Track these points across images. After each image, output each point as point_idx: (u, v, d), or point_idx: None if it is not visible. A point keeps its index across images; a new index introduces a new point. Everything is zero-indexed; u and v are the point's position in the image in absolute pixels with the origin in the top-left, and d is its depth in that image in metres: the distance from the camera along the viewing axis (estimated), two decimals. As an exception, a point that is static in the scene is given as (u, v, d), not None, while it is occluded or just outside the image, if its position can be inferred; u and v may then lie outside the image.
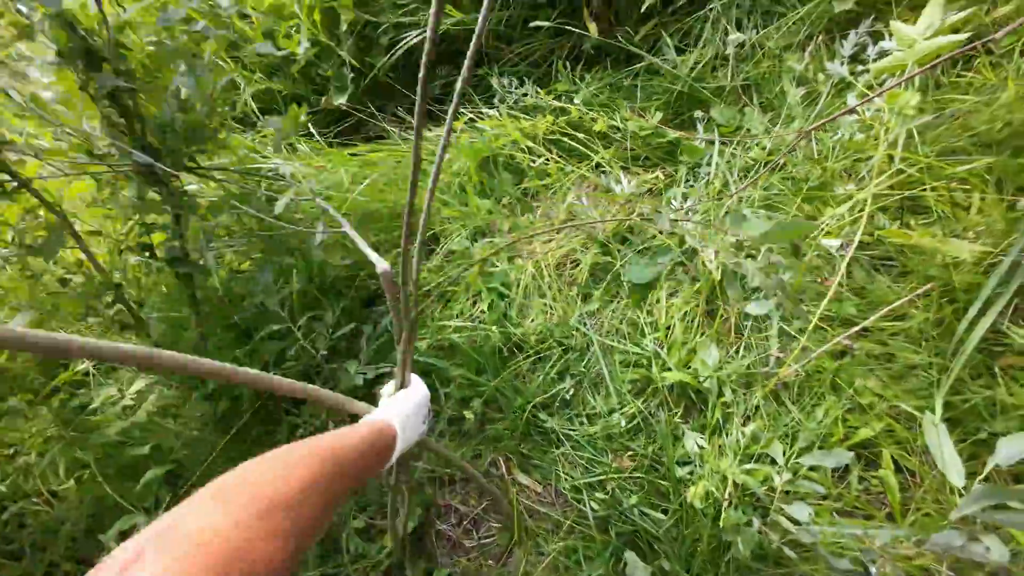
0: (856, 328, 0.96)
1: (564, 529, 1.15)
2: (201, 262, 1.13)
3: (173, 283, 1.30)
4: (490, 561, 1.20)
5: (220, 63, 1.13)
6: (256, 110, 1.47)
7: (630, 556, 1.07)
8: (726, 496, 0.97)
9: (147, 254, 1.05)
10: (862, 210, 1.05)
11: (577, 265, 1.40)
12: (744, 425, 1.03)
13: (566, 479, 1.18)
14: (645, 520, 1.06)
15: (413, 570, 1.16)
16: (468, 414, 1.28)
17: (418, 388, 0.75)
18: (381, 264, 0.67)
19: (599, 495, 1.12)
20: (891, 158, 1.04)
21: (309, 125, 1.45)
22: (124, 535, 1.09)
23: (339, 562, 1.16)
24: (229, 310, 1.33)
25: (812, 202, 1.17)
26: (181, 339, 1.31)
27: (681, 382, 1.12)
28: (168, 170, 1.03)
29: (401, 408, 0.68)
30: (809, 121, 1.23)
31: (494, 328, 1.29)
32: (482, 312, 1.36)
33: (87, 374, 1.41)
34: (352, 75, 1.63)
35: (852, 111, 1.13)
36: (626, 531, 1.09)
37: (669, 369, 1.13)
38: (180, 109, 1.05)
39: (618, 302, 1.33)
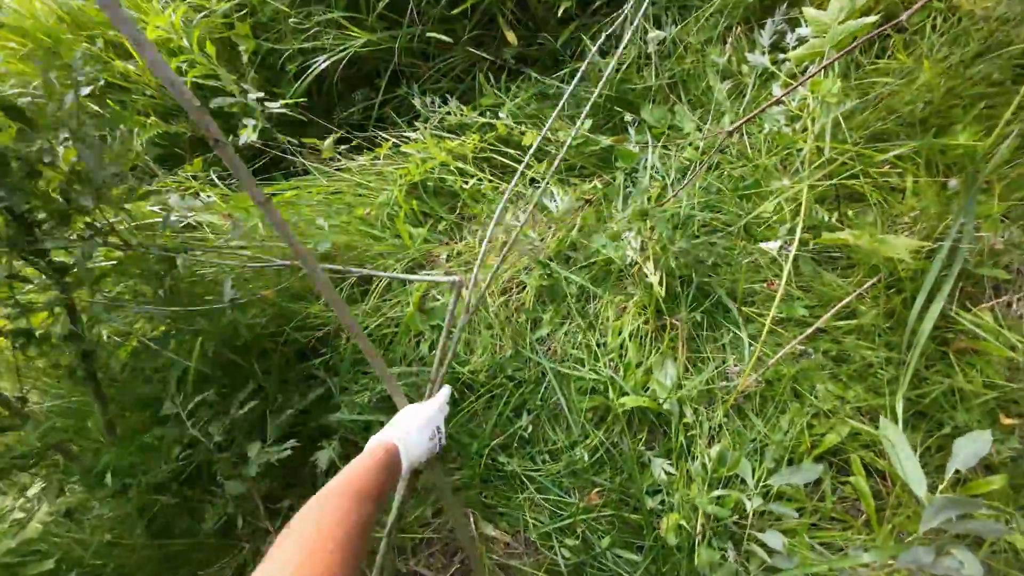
0: (810, 330, 0.91)
1: (537, 580, 1.06)
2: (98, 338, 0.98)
3: (67, 365, 1.13)
4: (463, 627, 1.09)
5: (123, 129, 0.99)
6: (150, 162, 1.32)
7: (609, 602, 0.99)
8: (698, 529, 0.90)
9: (22, 340, 0.89)
10: (799, 204, 1.01)
11: (523, 289, 1.31)
12: (709, 447, 0.96)
13: (534, 525, 1.09)
14: (619, 564, 0.98)
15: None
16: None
17: (431, 403, 0.80)
18: (450, 277, 0.86)
19: (569, 541, 1.03)
20: (820, 149, 1.00)
21: (211, 173, 1.31)
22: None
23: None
24: (138, 387, 1.17)
25: (750, 199, 1.13)
26: (83, 429, 1.15)
27: (640, 407, 1.04)
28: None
29: (405, 426, 0.73)
30: (739, 115, 1.19)
31: (439, 370, 1.18)
32: (428, 353, 1.26)
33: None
34: (260, 109, 1.50)
35: (778, 102, 1.09)
36: (600, 574, 1.01)
37: (626, 394, 1.06)
38: (71, 182, 0.91)
39: (569, 323, 1.25)
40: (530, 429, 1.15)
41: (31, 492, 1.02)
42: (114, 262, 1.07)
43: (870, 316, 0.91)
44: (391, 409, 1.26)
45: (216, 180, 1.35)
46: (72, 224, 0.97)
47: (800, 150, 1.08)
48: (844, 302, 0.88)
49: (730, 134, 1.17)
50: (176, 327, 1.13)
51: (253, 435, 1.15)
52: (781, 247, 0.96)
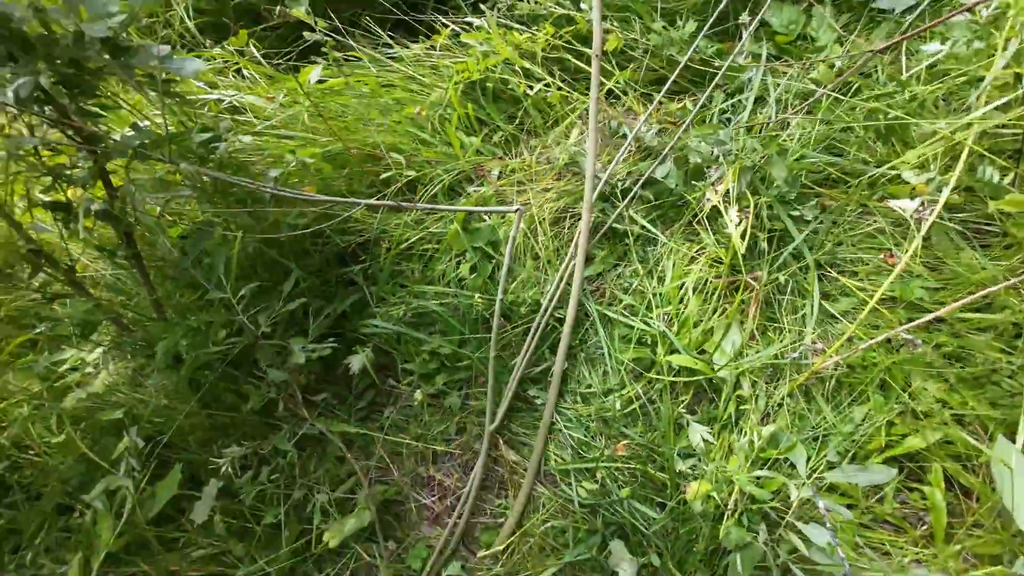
0: (926, 317, 0.75)
1: (552, 508, 1.07)
2: (134, 218, 0.97)
3: (112, 241, 1.15)
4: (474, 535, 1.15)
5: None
6: (194, 29, 1.21)
7: (616, 545, 0.99)
8: (730, 505, 0.84)
9: (62, 214, 0.90)
10: (958, 155, 0.77)
11: (578, 220, 1.18)
12: (762, 424, 0.86)
13: (556, 460, 1.08)
14: (636, 515, 0.96)
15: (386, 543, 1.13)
16: (419, 396, 1.16)
17: None
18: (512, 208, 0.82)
19: (587, 484, 1.01)
20: (1020, 78, 0.74)
21: (251, 45, 1.19)
22: (111, 495, 1.07)
23: (307, 532, 1.13)
24: (188, 270, 1.19)
25: (888, 143, 0.89)
26: (138, 303, 1.21)
27: (690, 368, 0.94)
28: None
29: None
30: (903, 27, 0.90)
31: (477, 297, 1.12)
32: (468, 275, 1.18)
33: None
34: (309, -24, 1.31)
35: (969, 9, 0.80)
36: (615, 521, 1.00)
37: (677, 351, 0.95)
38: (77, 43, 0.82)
39: (625, 266, 1.12)
40: (565, 367, 1.09)
41: (91, 358, 1.11)
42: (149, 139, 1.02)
43: (1016, 312, 0.72)
44: (425, 326, 1.24)
45: (260, 58, 1.24)
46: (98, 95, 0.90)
47: (980, 80, 0.81)
48: (986, 291, 0.70)
49: (884, 51, 0.89)
50: (219, 216, 1.11)
51: (291, 331, 1.18)
52: (920, 206, 0.75)
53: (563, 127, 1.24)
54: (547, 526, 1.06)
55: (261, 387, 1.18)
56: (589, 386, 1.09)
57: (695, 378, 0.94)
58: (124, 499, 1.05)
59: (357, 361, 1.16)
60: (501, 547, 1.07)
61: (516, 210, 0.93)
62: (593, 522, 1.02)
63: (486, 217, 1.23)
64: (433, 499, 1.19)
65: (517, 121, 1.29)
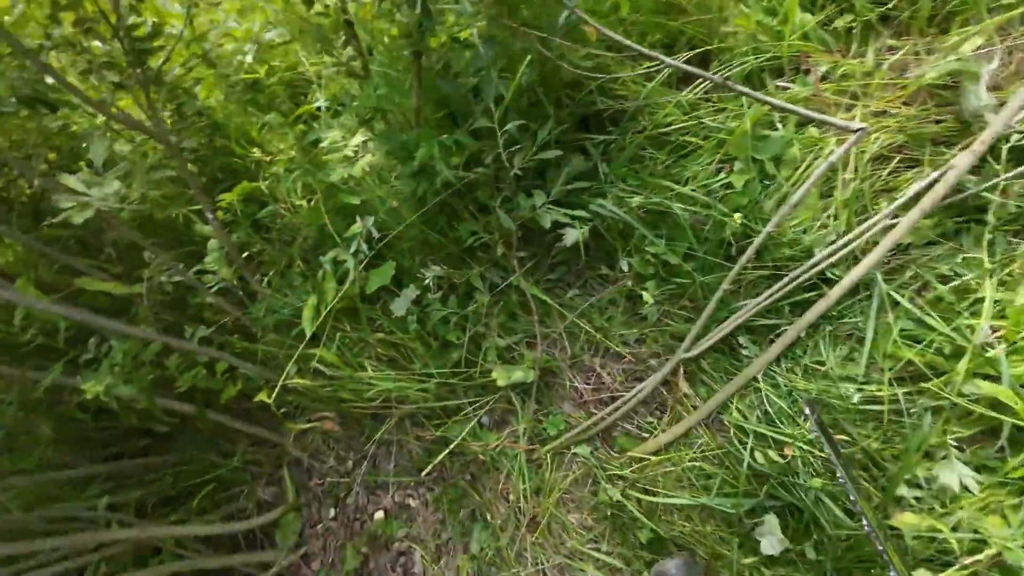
0: None
1: (707, 452, 1.04)
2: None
3: (401, 33, 1.15)
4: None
5: None
6: None
7: (771, 519, 0.94)
8: (966, 560, 0.70)
9: None
10: None
11: (911, 168, 0.89)
12: (1082, 510, 0.67)
13: (736, 414, 1.01)
14: (820, 506, 0.87)
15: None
16: (647, 297, 1.09)
17: None
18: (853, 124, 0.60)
19: (771, 452, 0.94)
20: None
21: None
22: (337, 263, 1.26)
23: (472, 364, 1.24)
24: (443, 84, 1.18)
25: None
26: (401, 103, 1.25)
27: (997, 402, 0.74)
28: None
29: None
30: None
31: (737, 217, 0.95)
32: (726, 188, 1.01)
33: (319, 109, 1.49)
34: None
35: None
36: (779, 498, 0.93)
37: (993, 379, 0.74)
38: None
39: (949, 249, 0.85)
40: (802, 334, 0.94)
41: (357, 140, 1.21)
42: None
43: None
44: (655, 224, 1.12)
45: None
46: None
47: None
48: None
49: None
50: (497, 32, 1.03)
51: (524, 180, 1.15)
52: None
53: (957, 32, 0.87)
54: (695, 464, 1.04)
55: (473, 224, 1.22)
56: (820, 362, 0.94)
57: (998, 415, 0.74)
58: (347, 272, 1.22)
59: (572, 236, 1.12)
60: (637, 455, 1.09)
61: (857, 130, 0.71)
62: (755, 487, 0.96)
63: (779, 125, 0.99)
64: (587, 387, 1.23)
65: (887, 7, 0.94)
